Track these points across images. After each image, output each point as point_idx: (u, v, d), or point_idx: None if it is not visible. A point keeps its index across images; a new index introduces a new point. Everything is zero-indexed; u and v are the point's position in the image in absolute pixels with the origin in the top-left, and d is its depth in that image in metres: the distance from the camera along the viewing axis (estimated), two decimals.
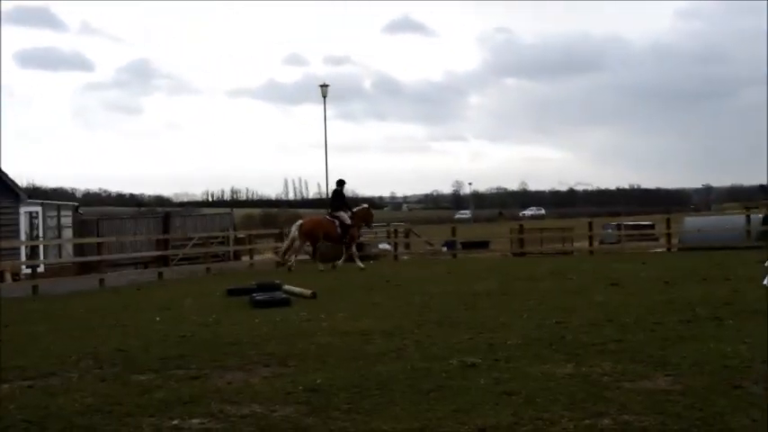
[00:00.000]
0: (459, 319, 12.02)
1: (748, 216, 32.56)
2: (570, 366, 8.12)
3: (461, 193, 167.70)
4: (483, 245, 39.47)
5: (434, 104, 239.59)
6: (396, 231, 39.17)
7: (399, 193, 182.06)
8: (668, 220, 34.49)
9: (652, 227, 43.62)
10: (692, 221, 35.98)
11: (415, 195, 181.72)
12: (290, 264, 26.06)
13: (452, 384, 7.49)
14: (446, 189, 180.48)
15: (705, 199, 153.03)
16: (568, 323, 11.06)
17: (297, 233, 26.26)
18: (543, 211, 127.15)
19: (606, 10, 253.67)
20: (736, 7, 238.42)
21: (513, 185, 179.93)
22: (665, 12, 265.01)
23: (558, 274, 19.57)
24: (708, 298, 13.17)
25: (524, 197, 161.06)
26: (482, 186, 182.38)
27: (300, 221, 27.21)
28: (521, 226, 38.78)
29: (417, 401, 6.90)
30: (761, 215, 33.72)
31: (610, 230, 42.76)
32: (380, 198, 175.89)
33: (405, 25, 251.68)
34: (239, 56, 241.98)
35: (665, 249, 32.12)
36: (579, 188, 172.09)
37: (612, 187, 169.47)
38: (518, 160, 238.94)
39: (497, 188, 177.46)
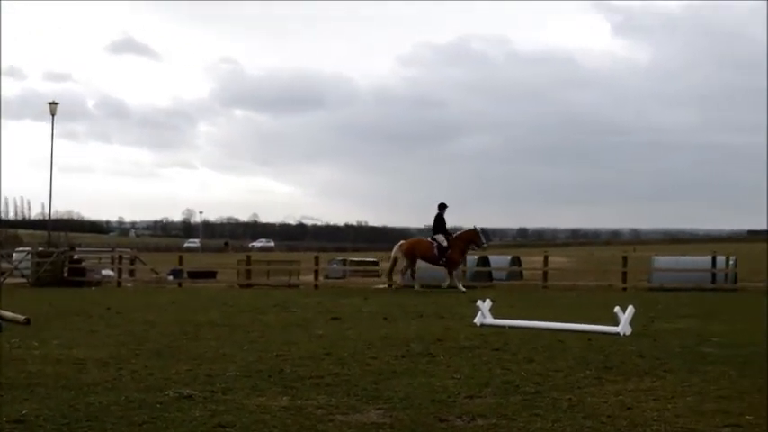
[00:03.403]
0: (180, 350, 11.85)
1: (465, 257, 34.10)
2: (286, 399, 8.20)
3: (192, 221, 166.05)
4: (210, 275, 39.10)
5: (162, 130, 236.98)
6: (120, 257, 38.04)
7: (128, 219, 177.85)
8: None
9: (376, 263, 44.85)
10: None
11: (144, 221, 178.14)
12: (395, 284, 26.92)
13: (166, 416, 7.36)
14: (177, 217, 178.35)
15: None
16: (288, 356, 11.18)
17: (398, 253, 27.05)
18: (272, 244, 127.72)
19: (331, 49, 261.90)
20: (451, 58, 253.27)
21: (244, 216, 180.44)
22: (387, 56, 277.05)
23: (283, 307, 19.71)
24: (422, 334, 13.70)
25: (255, 229, 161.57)
26: (213, 216, 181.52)
27: (402, 242, 28.41)
28: (248, 257, 38.74)
29: None
30: (476, 257, 35.48)
31: (335, 265, 43.59)
32: (107, 223, 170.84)
33: (128, 46, 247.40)
34: None
35: (387, 286, 33.08)
36: (308, 222, 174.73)
37: (341, 223, 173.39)
38: (248, 192, 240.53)
39: (228, 218, 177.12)
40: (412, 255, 27.12)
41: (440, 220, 27.25)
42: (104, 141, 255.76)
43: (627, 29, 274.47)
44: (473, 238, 27.36)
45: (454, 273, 27.06)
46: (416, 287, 26.65)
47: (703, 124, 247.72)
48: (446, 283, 26.61)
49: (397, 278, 27.23)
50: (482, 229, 28.36)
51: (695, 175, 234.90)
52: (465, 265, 30.82)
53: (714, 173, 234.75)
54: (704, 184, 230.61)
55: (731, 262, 31.26)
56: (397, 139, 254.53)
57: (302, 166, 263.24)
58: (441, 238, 26.81)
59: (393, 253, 27.78)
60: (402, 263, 27.26)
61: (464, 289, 25.83)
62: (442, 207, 27.30)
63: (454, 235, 27.13)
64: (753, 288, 28.75)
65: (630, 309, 13.73)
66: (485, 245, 28.34)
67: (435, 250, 26.76)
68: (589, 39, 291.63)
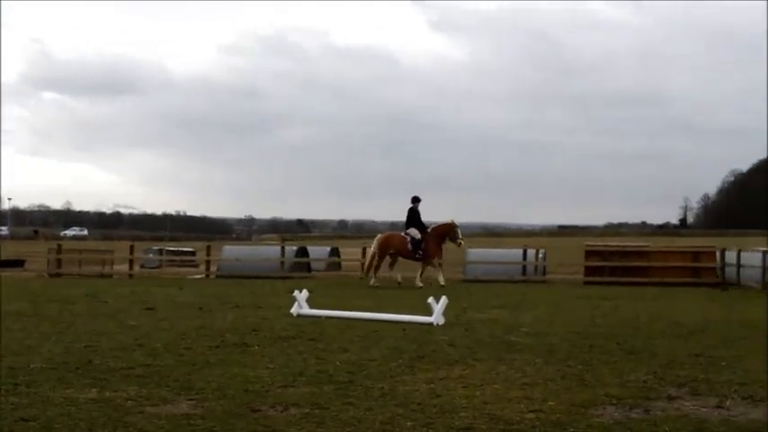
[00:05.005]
0: None
1: (283, 248, 33.94)
2: (95, 391, 7.97)
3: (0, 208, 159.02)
4: (17, 263, 37.52)
5: None
6: None
7: None
8: (209, 248, 35.16)
9: (193, 253, 44.27)
10: (231, 250, 36.92)
11: None
12: (374, 282, 25.24)
13: None
14: None
15: (247, 229, 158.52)
16: (98, 347, 10.87)
17: (375, 249, 25.54)
18: (86, 232, 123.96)
19: (148, 35, 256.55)
20: (270, 49, 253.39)
21: (56, 204, 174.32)
22: (209, 45, 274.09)
23: (94, 297, 19.17)
24: (238, 324, 13.60)
25: (68, 216, 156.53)
26: (23, 203, 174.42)
27: (379, 235, 26.78)
28: (59, 246, 37.41)
29: None
30: (295, 247, 35.48)
31: (151, 255, 42.73)
32: None
33: None
34: None
35: (204, 276, 32.67)
36: (124, 211, 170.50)
37: (159, 212, 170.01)
38: (62, 178, 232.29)
39: (40, 206, 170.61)
40: (385, 250, 25.84)
41: (414, 213, 25.87)
42: None
43: (444, 26, 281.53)
44: (448, 231, 25.91)
45: (437, 265, 25.86)
46: (391, 279, 25.45)
47: (516, 122, 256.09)
48: (417, 280, 25.17)
49: (378, 274, 25.62)
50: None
51: (510, 171, 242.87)
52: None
53: (527, 170, 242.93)
54: (518, 181, 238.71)
55: (540, 255, 32.50)
56: (216, 129, 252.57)
57: (119, 153, 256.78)
58: (414, 231, 25.61)
59: (372, 249, 26.30)
60: (379, 258, 25.78)
61: (444, 283, 24.78)
62: (416, 200, 25.92)
63: (429, 229, 25.82)
64: (560, 280, 30.01)
65: (444, 299, 14.05)
66: (460, 241, 26.27)
67: (409, 245, 25.55)
68: (407, 35, 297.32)
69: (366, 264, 26.82)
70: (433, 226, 25.99)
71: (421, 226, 25.82)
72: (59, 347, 10.82)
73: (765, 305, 18.91)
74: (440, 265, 26.08)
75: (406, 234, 25.85)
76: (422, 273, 25.66)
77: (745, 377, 8.99)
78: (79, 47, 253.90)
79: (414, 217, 25.91)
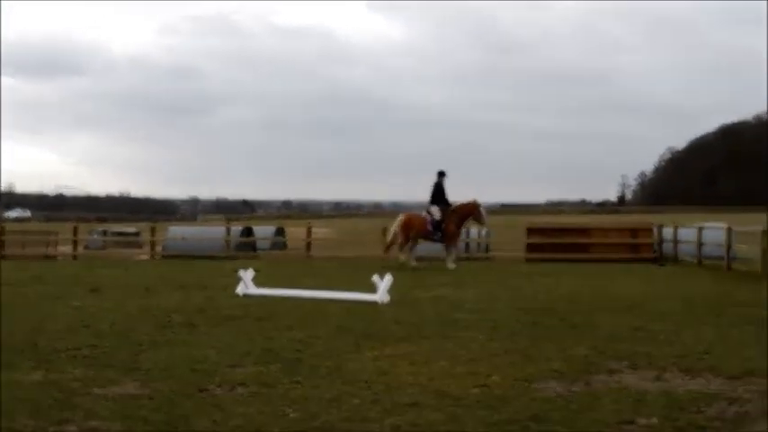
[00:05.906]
0: None
1: (229, 228, 34.00)
2: (40, 373, 7.94)
3: None
4: None
5: None
6: None
7: None
8: (153, 228, 34.90)
9: (137, 234, 43.88)
10: (177, 230, 36.67)
11: None
12: (403, 261, 24.09)
13: None
14: None
15: (192, 210, 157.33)
16: (43, 329, 10.80)
17: (397, 228, 24.40)
18: (29, 214, 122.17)
19: (87, 16, 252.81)
20: (208, 28, 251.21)
21: None
22: (146, 26, 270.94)
23: (38, 279, 18.98)
24: (184, 305, 13.58)
25: (10, 198, 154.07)
26: None
27: (401, 216, 25.25)
28: (2, 227, 36.83)
29: None
30: (240, 227, 35.42)
31: (95, 236, 42.33)
32: None
33: None
34: None
35: (149, 257, 32.45)
36: (68, 192, 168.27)
37: (102, 193, 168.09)
38: (3, 159, 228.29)
39: None
40: (407, 230, 24.59)
41: (438, 189, 24.48)
42: None
43: (382, 6, 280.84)
44: (472, 212, 24.54)
45: (452, 248, 24.74)
46: (412, 263, 24.09)
47: (456, 101, 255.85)
48: (450, 262, 24.10)
49: (403, 255, 24.46)
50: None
51: (452, 150, 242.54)
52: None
53: (468, 148, 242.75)
54: (459, 159, 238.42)
55: (483, 233, 32.74)
56: (159, 109, 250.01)
57: (61, 134, 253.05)
58: (435, 209, 24.29)
59: (392, 228, 25.21)
60: (400, 238, 24.61)
61: (453, 266, 23.60)
62: (441, 175, 24.61)
63: (452, 207, 24.37)
64: (503, 257, 30.29)
65: (388, 277, 14.15)
66: (485, 222, 25.29)
67: (429, 225, 24.26)
68: (346, 14, 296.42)
69: (387, 244, 25.73)
70: (456, 205, 24.63)
71: (445, 202, 24.52)
72: (4, 330, 10.72)
73: (701, 280, 19.34)
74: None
75: (428, 213, 24.66)
76: (450, 255, 24.62)
77: (682, 350, 9.23)
78: (19, 27, 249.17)
79: (438, 192, 24.57)
